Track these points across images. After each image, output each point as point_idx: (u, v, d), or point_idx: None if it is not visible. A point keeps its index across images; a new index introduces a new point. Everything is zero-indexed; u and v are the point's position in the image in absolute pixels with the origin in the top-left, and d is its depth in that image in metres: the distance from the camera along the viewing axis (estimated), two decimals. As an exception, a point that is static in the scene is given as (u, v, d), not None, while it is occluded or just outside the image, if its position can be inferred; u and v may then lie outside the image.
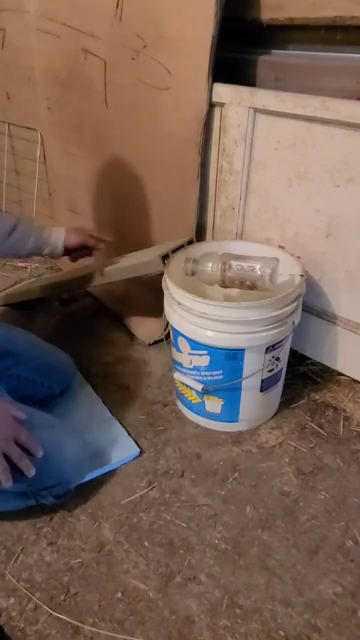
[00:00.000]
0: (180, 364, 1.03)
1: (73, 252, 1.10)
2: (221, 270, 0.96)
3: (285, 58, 1.07)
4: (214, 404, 1.02)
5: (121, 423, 1.06)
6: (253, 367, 0.95)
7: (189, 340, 0.95)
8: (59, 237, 1.07)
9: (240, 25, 1.05)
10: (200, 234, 1.24)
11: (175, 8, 1.03)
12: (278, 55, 1.08)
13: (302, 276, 0.96)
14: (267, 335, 0.91)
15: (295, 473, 0.96)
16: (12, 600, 0.77)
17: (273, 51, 1.09)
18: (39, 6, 1.33)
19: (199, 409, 1.05)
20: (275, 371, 1.00)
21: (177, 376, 1.04)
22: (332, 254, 1.04)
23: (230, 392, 0.99)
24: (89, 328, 1.39)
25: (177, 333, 0.98)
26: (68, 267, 1.63)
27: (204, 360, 0.96)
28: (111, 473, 0.96)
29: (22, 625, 0.74)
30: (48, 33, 1.33)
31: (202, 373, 0.98)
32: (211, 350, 0.94)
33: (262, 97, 0.99)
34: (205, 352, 0.95)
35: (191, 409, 1.07)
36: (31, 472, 0.76)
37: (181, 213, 1.21)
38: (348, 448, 1.02)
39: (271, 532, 0.86)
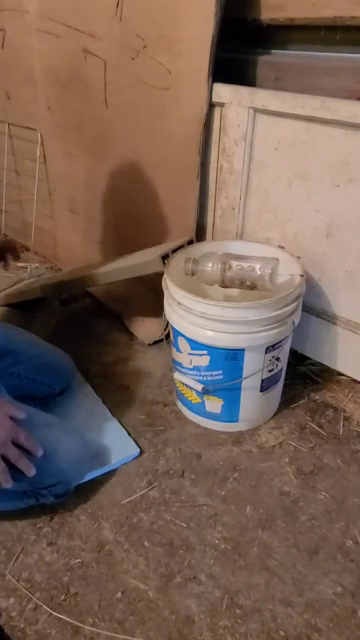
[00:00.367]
0: (180, 364, 1.03)
1: None
2: (221, 270, 0.96)
3: (285, 58, 1.07)
4: (214, 404, 1.02)
5: (121, 423, 1.06)
6: (253, 367, 0.95)
7: (189, 340, 0.95)
8: None
9: (240, 25, 1.05)
10: (200, 234, 1.24)
11: (175, 8, 1.03)
12: (278, 55, 1.08)
13: (302, 276, 0.96)
14: (267, 335, 0.91)
15: (295, 473, 0.96)
16: (12, 600, 0.77)
17: (273, 51, 1.09)
18: (39, 6, 1.33)
19: (199, 409, 1.05)
20: (275, 371, 1.00)
21: (177, 376, 1.04)
22: (332, 254, 1.04)
23: (230, 392, 0.99)
24: (89, 328, 1.39)
25: (177, 333, 0.98)
26: (68, 267, 1.63)
27: (204, 360, 0.96)
28: (111, 473, 0.96)
29: (22, 625, 0.74)
30: (48, 33, 1.33)
31: (202, 373, 0.98)
32: (211, 350, 0.94)
33: (262, 97, 0.99)
34: (205, 352, 0.95)
35: (191, 409, 1.07)
36: (31, 472, 0.76)
37: (181, 213, 1.22)
38: (348, 448, 1.02)
39: (271, 532, 0.86)
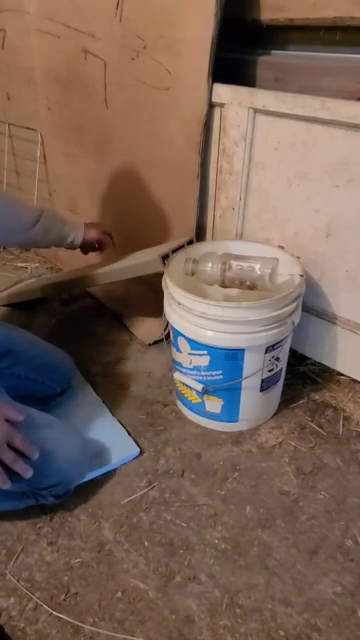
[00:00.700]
0: (180, 364, 1.03)
1: (87, 246, 1.15)
2: (221, 270, 0.96)
3: (285, 58, 1.07)
4: (214, 404, 1.02)
5: (121, 423, 1.06)
6: (253, 367, 0.95)
7: (189, 340, 0.95)
8: (79, 232, 1.11)
9: (240, 25, 1.05)
10: (200, 234, 1.24)
11: (175, 8, 1.03)
12: (278, 55, 1.08)
13: (302, 276, 0.96)
14: (267, 335, 0.91)
15: (295, 473, 0.96)
16: (12, 600, 0.77)
17: (273, 51, 1.09)
18: (39, 6, 1.33)
19: (199, 409, 1.05)
20: (275, 371, 1.00)
21: (177, 376, 1.04)
22: (332, 254, 1.04)
23: (230, 392, 0.99)
24: (89, 328, 1.39)
25: (177, 333, 0.98)
26: (68, 267, 1.63)
27: (204, 360, 0.96)
28: (111, 473, 0.96)
29: (22, 625, 0.74)
30: (48, 33, 1.33)
31: (202, 373, 0.98)
32: (211, 350, 0.94)
33: (262, 97, 0.99)
34: (205, 352, 0.95)
35: (191, 409, 1.07)
36: (27, 474, 0.76)
37: (181, 213, 1.22)
38: (348, 448, 1.02)
39: (271, 532, 0.86)
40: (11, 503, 0.86)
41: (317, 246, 1.05)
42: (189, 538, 0.85)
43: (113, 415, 1.08)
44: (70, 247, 1.12)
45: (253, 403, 1.02)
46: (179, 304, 0.94)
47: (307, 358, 1.21)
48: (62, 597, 0.77)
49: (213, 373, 0.97)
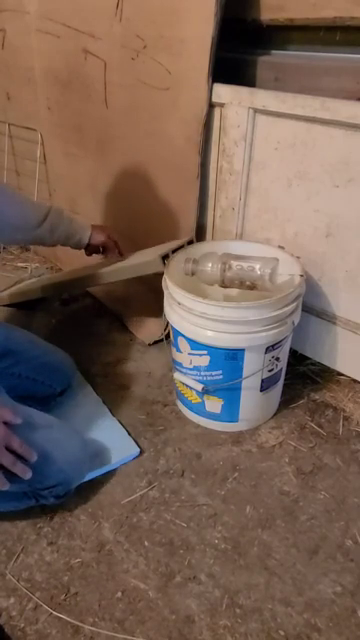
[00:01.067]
0: (180, 364, 1.03)
1: (92, 248, 1.16)
2: (221, 270, 0.96)
3: (285, 58, 1.07)
4: (214, 404, 1.02)
5: (121, 423, 1.06)
6: (253, 367, 0.95)
7: (189, 340, 0.95)
8: (86, 233, 1.11)
9: (240, 25, 1.05)
10: (200, 234, 1.24)
11: (175, 8, 1.03)
12: (278, 55, 1.08)
13: (302, 276, 0.96)
14: (267, 335, 0.91)
15: (295, 473, 0.96)
16: (12, 600, 0.77)
17: (273, 51, 1.09)
18: (39, 6, 1.33)
19: (199, 409, 1.05)
20: (275, 371, 1.00)
21: (177, 376, 1.04)
22: (332, 254, 1.04)
23: (230, 392, 0.99)
24: (89, 328, 1.39)
25: (177, 333, 0.98)
26: (68, 267, 1.63)
27: (204, 360, 0.96)
28: (111, 473, 0.96)
29: (22, 625, 0.74)
30: (48, 33, 1.33)
31: (202, 373, 0.98)
32: (211, 350, 0.94)
33: (262, 97, 0.99)
34: (205, 352, 0.95)
35: (191, 409, 1.07)
36: (27, 475, 0.76)
37: (181, 213, 1.22)
38: (348, 448, 1.02)
39: (271, 532, 0.86)
40: (11, 504, 0.86)
41: (317, 246, 1.05)
42: (189, 538, 0.85)
43: (113, 415, 1.08)
44: (76, 247, 1.13)
45: (253, 403, 1.02)
46: (179, 304, 0.94)
47: (307, 358, 1.21)
48: (62, 597, 0.77)
49: (213, 373, 0.97)
